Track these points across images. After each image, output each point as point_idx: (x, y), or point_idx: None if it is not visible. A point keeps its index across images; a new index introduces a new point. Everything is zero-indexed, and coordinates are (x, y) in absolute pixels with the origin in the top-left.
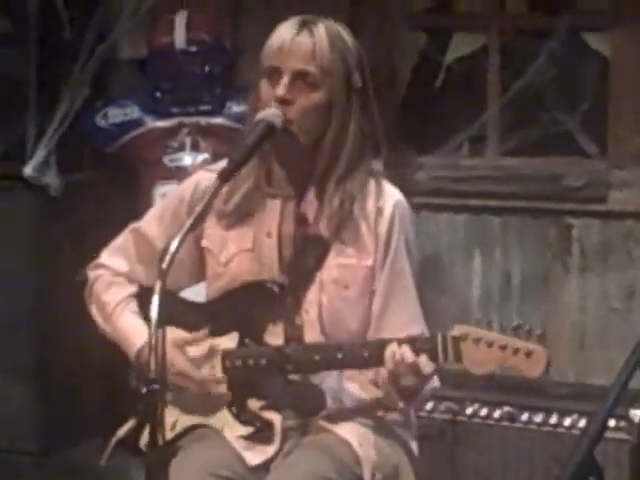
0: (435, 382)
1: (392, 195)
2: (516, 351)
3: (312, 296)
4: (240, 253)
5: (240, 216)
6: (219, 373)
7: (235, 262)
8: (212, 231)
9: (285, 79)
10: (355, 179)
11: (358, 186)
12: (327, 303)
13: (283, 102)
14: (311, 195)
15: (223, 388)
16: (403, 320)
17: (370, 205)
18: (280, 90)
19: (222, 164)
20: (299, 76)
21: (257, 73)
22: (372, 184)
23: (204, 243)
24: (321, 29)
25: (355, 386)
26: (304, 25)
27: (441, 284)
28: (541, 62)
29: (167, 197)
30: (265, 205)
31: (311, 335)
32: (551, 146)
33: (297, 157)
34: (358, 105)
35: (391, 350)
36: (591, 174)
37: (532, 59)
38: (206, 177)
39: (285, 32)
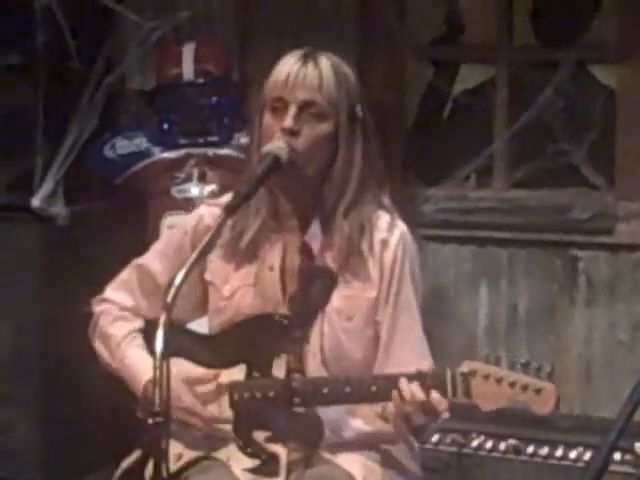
0: (445, 414)
1: (398, 227)
2: (525, 388)
3: (315, 327)
4: (242, 287)
5: (245, 251)
6: (226, 407)
7: (238, 296)
8: (215, 265)
9: (292, 110)
10: (362, 209)
11: (366, 216)
12: (330, 334)
13: (290, 133)
14: (316, 227)
15: (228, 426)
16: (409, 353)
17: (376, 237)
18: (287, 121)
19: (226, 198)
20: (306, 107)
21: (260, 106)
22: (383, 217)
23: (207, 276)
24: (325, 61)
25: (359, 421)
26: (308, 57)
27: (447, 316)
28: (548, 94)
29: (170, 231)
30: (269, 239)
31: (312, 365)
32: (558, 178)
33: (302, 190)
34: (361, 136)
35: (401, 389)
36: (598, 206)
37: (539, 91)
38: (209, 212)
39: (290, 64)
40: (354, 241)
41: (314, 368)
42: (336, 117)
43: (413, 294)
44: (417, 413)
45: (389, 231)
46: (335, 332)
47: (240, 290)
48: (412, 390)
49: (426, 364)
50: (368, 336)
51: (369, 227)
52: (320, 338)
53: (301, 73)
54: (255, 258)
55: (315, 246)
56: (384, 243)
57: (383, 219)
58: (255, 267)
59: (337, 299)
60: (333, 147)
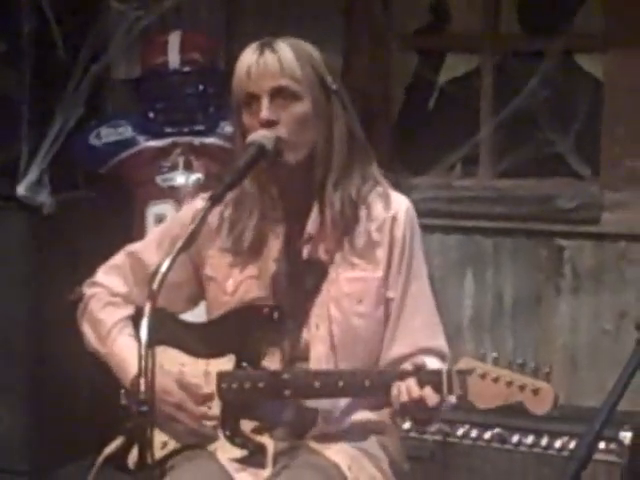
0: (452, 399)
1: (403, 201)
2: (522, 388)
3: (321, 311)
4: (246, 280)
5: (249, 248)
6: (215, 406)
7: (241, 290)
8: (216, 260)
9: (264, 101)
10: (352, 182)
11: (356, 190)
12: (341, 319)
13: (269, 124)
14: (314, 214)
15: (215, 424)
16: (419, 322)
17: (381, 213)
18: (264, 112)
19: None
20: (276, 93)
21: (235, 105)
22: (379, 192)
23: (208, 271)
24: (282, 44)
25: (358, 413)
26: (264, 46)
27: None
28: (534, 83)
29: (167, 224)
30: (273, 232)
31: (321, 350)
32: (544, 167)
33: (294, 178)
34: (338, 107)
35: (396, 388)
36: (584, 196)
37: (525, 80)
38: None
39: (248, 57)
40: (347, 214)
41: (323, 353)
42: (310, 93)
43: (423, 265)
44: (413, 409)
45: (395, 206)
46: (347, 317)
47: (244, 284)
48: (408, 386)
49: (435, 342)
50: (379, 317)
51: (366, 203)
52: (329, 323)
53: (261, 62)
54: (258, 250)
55: (314, 231)
56: (394, 219)
57: (383, 195)
58: (258, 259)
59: (344, 282)
60: (316, 125)
